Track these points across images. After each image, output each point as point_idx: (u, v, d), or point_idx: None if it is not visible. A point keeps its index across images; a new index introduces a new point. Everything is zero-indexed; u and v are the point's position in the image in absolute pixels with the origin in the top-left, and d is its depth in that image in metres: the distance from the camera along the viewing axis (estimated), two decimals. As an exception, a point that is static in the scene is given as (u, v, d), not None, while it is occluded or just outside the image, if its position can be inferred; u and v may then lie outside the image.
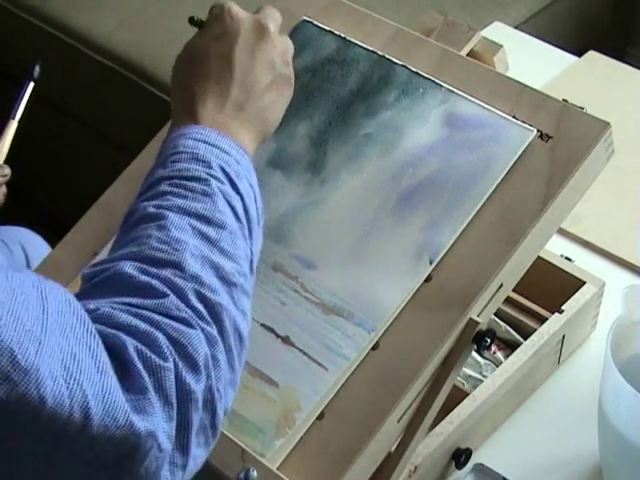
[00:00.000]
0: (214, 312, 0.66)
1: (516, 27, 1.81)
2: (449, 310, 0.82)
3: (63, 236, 0.97)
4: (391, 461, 0.83)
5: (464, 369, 1.00)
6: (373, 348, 0.83)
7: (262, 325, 0.86)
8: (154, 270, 0.66)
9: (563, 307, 1.01)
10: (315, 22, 0.99)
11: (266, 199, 0.91)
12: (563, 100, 0.89)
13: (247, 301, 0.70)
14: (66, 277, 0.93)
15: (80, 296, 0.65)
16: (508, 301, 1.05)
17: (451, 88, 0.91)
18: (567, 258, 1.07)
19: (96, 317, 0.62)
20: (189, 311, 0.64)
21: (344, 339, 0.83)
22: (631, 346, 0.90)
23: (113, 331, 0.62)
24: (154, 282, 0.65)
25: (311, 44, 0.97)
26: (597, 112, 0.87)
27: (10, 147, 1.21)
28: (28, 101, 1.25)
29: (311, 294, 0.86)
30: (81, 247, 0.95)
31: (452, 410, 0.92)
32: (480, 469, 0.94)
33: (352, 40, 0.96)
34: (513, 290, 0.89)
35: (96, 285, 0.67)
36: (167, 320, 0.63)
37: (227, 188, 0.72)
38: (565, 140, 0.86)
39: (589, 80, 1.45)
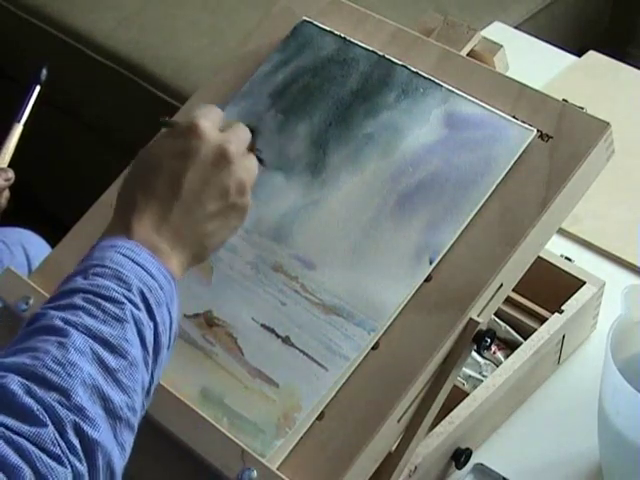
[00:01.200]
0: (88, 449, 0.64)
1: (516, 27, 1.81)
2: (449, 310, 0.82)
3: (63, 236, 0.97)
4: (391, 461, 0.83)
5: (464, 369, 1.00)
6: (373, 348, 0.83)
7: (262, 325, 0.86)
8: (40, 393, 0.64)
9: (563, 307, 1.01)
10: (315, 22, 0.99)
11: (266, 199, 0.91)
12: (563, 100, 0.89)
13: (129, 436, 0.68)
14: (66, 277, 0.93)
15: None
16: (508, 301, 1.05)
17: (451, 88, 0.91)
18: (567, 258, 1.07)
19: None
20: (64, 445, 0.63)
21: (344, 339, 0.83)
22: (631, 346, 0.90)
23: None
24: (36, 408, 0.63)
25: (311, 44, 0.97)
26: (597, 112, 0.87)
27: (14, 150, 1.21)
28: (33, 104, 1.24)
29: (311, 294, 0.86)
30: (81, 247, 0.94)
31: (452, 410, 0.92)
32: (480, 469, 0.94)
33: (352, 40, 0.96)
34: (513, 290, 0.89)
35: None
36: (40, 453, 0.61)
37: (142, 315, 0.70)
38: (565, 140, 0.86)
39: (589, 80, 1.45)
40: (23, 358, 0.66)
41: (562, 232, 1.19)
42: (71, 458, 0.63)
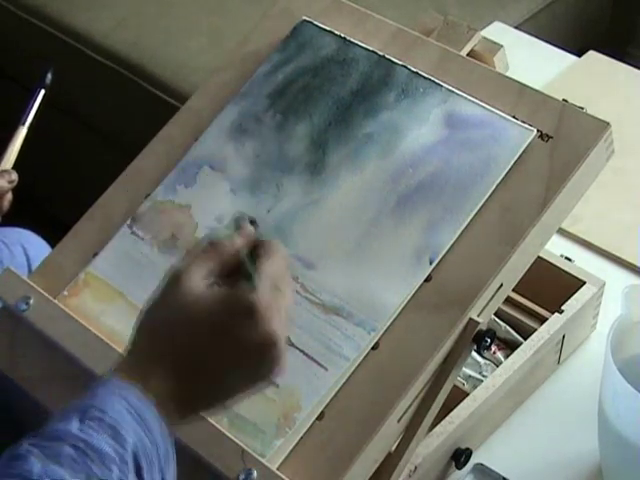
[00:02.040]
0: None
1: (516, 27, 1.81)
2: (449, 310, 0.82)
3: (63, 236, 0.97)
4: (391, 461, 0.83)
5: (464, 369, 1.00)
6: (373, 348, 0.83)
7: (262, 325, 0.86)
8: None
9: (563, 307, 1.01)
10: (315, 22, 0.99)
11: (266, 199, 0.91)
12: (563, 100, 0.89)
13: None
14: (65, 278, 0.93)
15: None
16: (508, 301, 1.05)
17: (451, 88, 0.91)
18: (567, 258, 1.07)
19: None
20: None
21: (344, 339, 0.83)
22: (631, 346, 0.90)
23: None
24: None
25: (311, 44, 0.97)
26: (597, 112, 0.87)
27: (18, 153, 1.21)
28: (38, 108, 1.24)
29: (311, 294, 0.86)
30: (81, 248, 0.95)
31: (452, 410, 0.92)
32: (480, 469, 0.94)
33: (352, 40, 0.96)
34: (513, 290, 0.89)
35: None
36: None
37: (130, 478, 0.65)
38: (565, 140, 0.86)
39: (589, 80, 1.45)
40: None
41: (562, 232, 1.19)
42: None
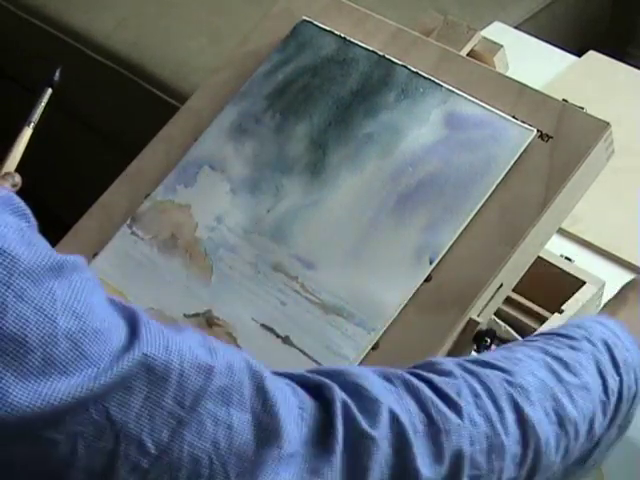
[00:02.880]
0: (524, 430, 0.61)
1: (516, 27, 1.81)
2: (449, 310, 0.82)
3: (62, 236, 0.97)
4: (391, 461, 0.83)
5: (464, 369, 1.00)
6: (373, 348, 0.83)
7: (262, 325, 0.86)
8: (472, 367, 0.63)
9: (563, 307, 1.01)
10: (315, 22, 0.99)
11: (266, 199, 0.91)
12: (563, 100, 0.89)
13: (561, 456, 0.64)
14: (66, 277, 0.93)
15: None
16: (508, 301, 1.05)
17: (451, 88, 0.91)
18: (567, 258, 1.07)
19: (343, 372, 0.61)
20: (487, 410, 0.60)
21: (344, 339, 0.83)
22: (631, 346, 0.90)
23: (328, 382, 0.58)
24: (457, 371, 0.62)
25: (311, 44, 0.97)
26: (597, 112, 0.87)
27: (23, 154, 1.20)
28: (44, 108, 1.24)
29: (311, 294, 0.86)
30: (81, 247, 0.95)
31: (452, 410, 0.92)
32: (480, 469, 0.94)
33: (352, 40, 0.96)
34: (513, 290, 0.89)
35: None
36: (436, 400, 0.60)
37: (604, 359, 0.68)
38: (565, 140, 0.86)
39: (589, 80, 1.45)
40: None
41: (562, 232, 1.19)
42: (498, 426, 0.60)
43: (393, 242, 0.86)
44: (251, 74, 0.98)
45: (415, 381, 0.61)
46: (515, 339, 1.04)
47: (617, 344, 0.70)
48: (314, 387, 0.58)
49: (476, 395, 0.61)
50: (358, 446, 0.56)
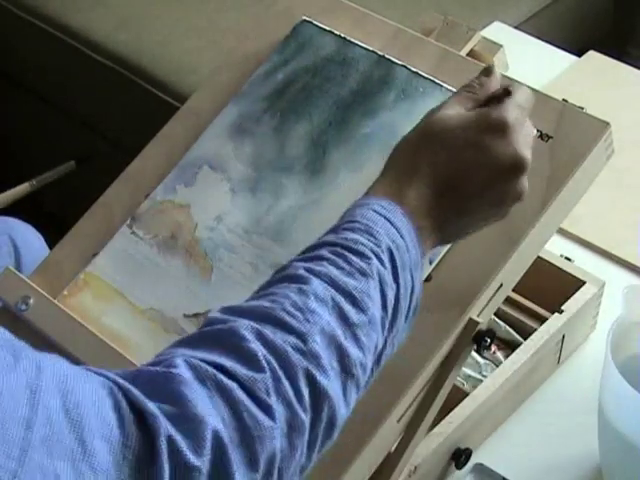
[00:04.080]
0: (317, 399, 0.61)
1: (516, 27, 1.81)
2: (449, 310, 0.82)
3: (62, 235, 0.97)
4: (391, 461, 0.83)
5: (464, 369, 1.00)
6: (373, 348, 0.83)
7: (262, 325, 0.86)
8: (273, 337, 0.62)
9: (563, 307, 1.01)
10: (315, 22, 0.99)
11: (266, 199, 0.91)
12: (563, 100, 0.89)
13: (356, 395, 0.66)
14: (65, 277, 0.93)
15: (188, 340, 0.63)
16: (508, 301, 1.05)
17: (451, 88, 0.91)
18: (567, 258, 1.07)
19: (167, 375, 0.59)
20: (286, 394, 0.60)
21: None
22: (631, 346, 0.90)
23: (153, 409, 0.56)
24: (261, 354, 0.61)
25: (311, 44, 0.97)
26: (597, 112, 0.87)
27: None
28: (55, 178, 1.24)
29: (311, 294, 0.85)
30: (81, 247, 0.95)
31: (452, 410, 0.92)
32: (480, 469, 0.94)
33: (352, 40, 0.96)
34: (513, 290, 0.89)
35: (208, 335, 0.63)
36: (248, 402, 0.59)
37: (386, 274, 0.68)
38: (565, 140, 0.86)
39: (589, 80, 1.45)
40: (261, 302, 0.65)
41: (562, 232, 1.19)
42: (296, 407, 0.60)
43: (393, 242, 0.85)
44: (251, 74, 0.98)
45: (225, 381, 0.59)
46: (515, 339, 1.04)
47: (400, 246, 0.69)
48: (139, 412, 0.57)
49: (276, 380, 0.61)
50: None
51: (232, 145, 0.95)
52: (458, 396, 0.93)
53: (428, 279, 0.84)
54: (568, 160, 0.85)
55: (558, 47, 1.56)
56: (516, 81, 0.90)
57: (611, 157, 0.88)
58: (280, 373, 0.61)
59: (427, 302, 0.83)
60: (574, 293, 1.03)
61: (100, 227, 0.96)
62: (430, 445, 0.89)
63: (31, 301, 0.91)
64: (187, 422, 0.57)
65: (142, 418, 0.56)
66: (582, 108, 0.88)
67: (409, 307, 0.71)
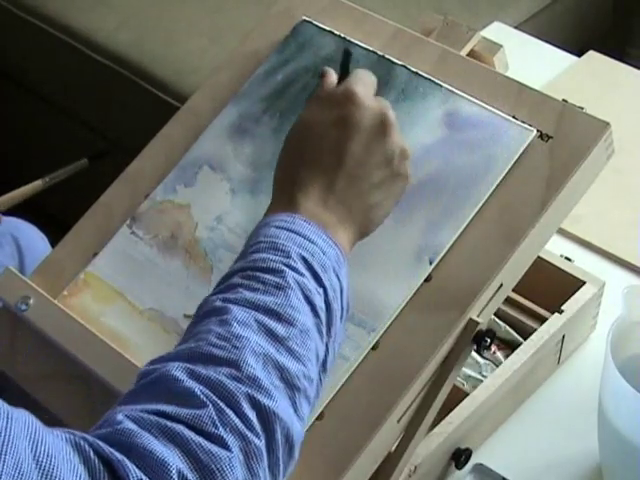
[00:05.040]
0: (266, 421, 0.61)
1: (516, 27, 1.81)
2: (449, 310, 0.82)
3: (62, 235, 0.97)
4: (391, 461, 0.83)
5: (464, 369, 1.00)
6: (373, 348, 0.83)
7: (262, 325, 0.86)
8: (204, 372, 0.61)
9: (563, 307, 1.01)
10: (315, 22, 0.99)
11: (266, 199, 0.91)
12: (563, 100, 0.89)
13: (308, 407, 0.65)
14: (66, 277, 0.94)
15: (126, 398, 0.62)
16: (508, 301, 1.05)
17: (451, 88, 0.91)
18: (567, 258, 1.07)
19: (116, 432, 0.58)
20: (233, 423, 0.59)
21: (344, 339, 0.83)
22: (631, 346, 0.90)
23: (120, 457, 0.56)
24: (198, 389, 0.60)
25: (311, 44, 0.97)
26: (597, 112, 0.87)
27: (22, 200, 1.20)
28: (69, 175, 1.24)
29: (311, 294, 0.85)
30: (81, 247, 0.95)
31: (452, 410, 0.92)
32: (480, 469, 0.94)
33: (352, 40, 0.96)
34: (513, 290, 0.89)
35: (143, 387, 0.63)
36: (198, 439, 0.58)
37: (306, 280, 0.67)
38: (565, 140, 0.86)
39: (589, 80, 1.45)
40: (187, 344, 0.64)
41: (562, 232, 1.19)
42: (247, 434, 0.59)
43: (393, 242, 0.86)
44: (251, 74, 0.98)
45: (170, 425, 0.59)
46: (515, 339, 1.04)
47: (314, 252, 0.69)
48: (107, 463, 0.56)
49: (219, 411, 0.60)
50: None
51: (232, 145, 0.95)
52: (458, 396, 0.93)
53: (428, 279, 0.84)
54: (568, 160, 0.85)
55: (558, 47, 1.56)
56: (517, 81, 0.90)
57: (611, 157, 0.88)
58: (221, 404, 0.60)
59: (427, 302, 0.83)
60: (574, 293, 1.03)
61: (100, 227, 0.96)
62: (430, 445, 0.89)
63: (31, 301, 0.91)
64: (151, 466, 0.57)
65: (111, 468, 0.56)
66: (582, 108, 0.88)
67: (342, 307, 0.70)
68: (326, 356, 0.68)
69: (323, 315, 0.68)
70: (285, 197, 0.74)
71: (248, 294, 0.66)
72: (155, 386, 0.62)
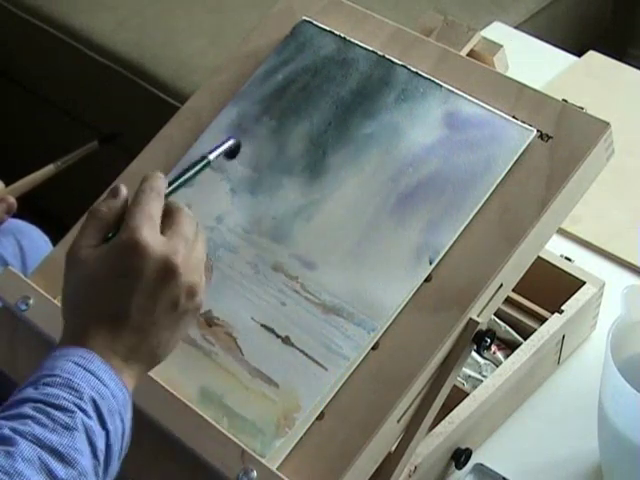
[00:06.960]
0: None
1: (516, 27, 1.81)
2: (449, 310, 0.82)
3: (62, 235, 0.97)
4: (391, 461, 0.83)
5: (464, 369, 1.00)
6: (373, 348, 0.83)
7: (262, 325, 0.86)
8: None
9: (563, 307, 1.01)
10: (315, 22, 0.99)
11: (266, 199, 0.91)
12: (563, 100, 0.89)
13: None
14: (66, 277, 0.93)
15: None
16: (508, 301, 1.05)
17: (451, 88, 0.91)
18: (567, 258, 1.07)
19: None
20: None
21: (344, 339, 0.83)
22: (631, 346, 0.90)
23: None
24: None
25: (311, 44, 0.97)
26: (597, 112, 0.87)
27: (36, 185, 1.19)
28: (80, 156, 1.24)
29: (311, 294, 0.86)
30: (81, 247, 0.95)
31: (452, 410, 0.92)
32: (480, 469, 0.94)
33: (352, 40, 0.96)
34: (513, 290, 0.89)
35: None
36: None
37: (93, 424, 0.69)
38: (565, 140, 0.86)
39: (589, 80, 1.45)
40: None
41: (562, 232, 1.19)
42: None
43: (393, 242, 0.86)
44: (251, 74, 0.98)
45: None
46: (515, 339, 1.04)
47: (105, 394, 0.71)
48: None
49: None
50: None
51: (232, 145, 0.95)
52: (458, 396, 0.93)
53: (428, 279, 0.84)
54: (568, 160, 0.85)
55: (558, 47, 1.56)
56: (517, 81, 0.90)
57: (611, 157, 0.88)
58: None
59: (427, 302, 0.83)
60: (574, 293, 1.03)
61: (100, 227, 0.95)
62: (430, 445, 0.89)
63: (31, 301, 0.91)
64: None
65: None
66: (582, 108, 0.88)
67: (121, 448, 0.72)
68: None
69: (102, 457, 0.70)
70: (75, 334, 0.74)
71: (37, 429, 0.67)
72: None
